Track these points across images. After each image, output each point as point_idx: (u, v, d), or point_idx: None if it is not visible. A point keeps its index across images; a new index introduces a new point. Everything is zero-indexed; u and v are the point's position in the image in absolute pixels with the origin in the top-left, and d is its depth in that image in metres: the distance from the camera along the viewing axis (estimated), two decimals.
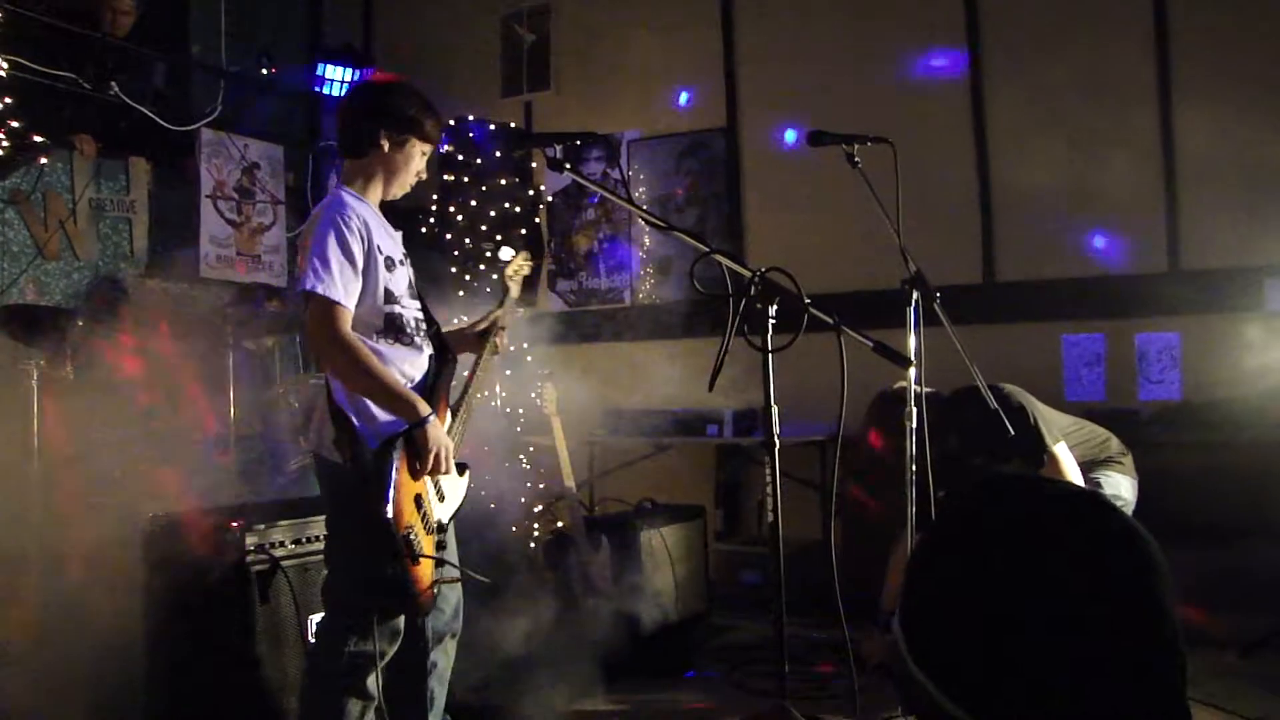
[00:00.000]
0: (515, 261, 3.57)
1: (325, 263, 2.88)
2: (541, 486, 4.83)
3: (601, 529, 4.83)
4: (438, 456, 3.00)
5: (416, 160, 3.21)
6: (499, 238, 5.55)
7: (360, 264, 2.97)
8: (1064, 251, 5.70)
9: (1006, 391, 4.18)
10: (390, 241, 3.11)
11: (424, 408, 2.98)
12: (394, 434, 2.95)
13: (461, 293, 5.31)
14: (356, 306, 2.96)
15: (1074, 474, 4.05)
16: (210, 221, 5.93)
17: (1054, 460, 4.06)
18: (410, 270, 3.19)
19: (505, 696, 4.10)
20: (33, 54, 4.98)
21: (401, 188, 3.23)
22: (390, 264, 3.06)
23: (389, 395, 2.95)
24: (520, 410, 5.04)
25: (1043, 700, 0.90)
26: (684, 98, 6.66)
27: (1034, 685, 0.90)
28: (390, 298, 3.04)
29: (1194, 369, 5.40)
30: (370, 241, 3.00)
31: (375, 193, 3.16)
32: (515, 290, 3.54)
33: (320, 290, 2.86)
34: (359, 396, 2.97)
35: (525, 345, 4.88)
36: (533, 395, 5.04)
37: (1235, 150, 5.31)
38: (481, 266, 5.41)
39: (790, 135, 6.26)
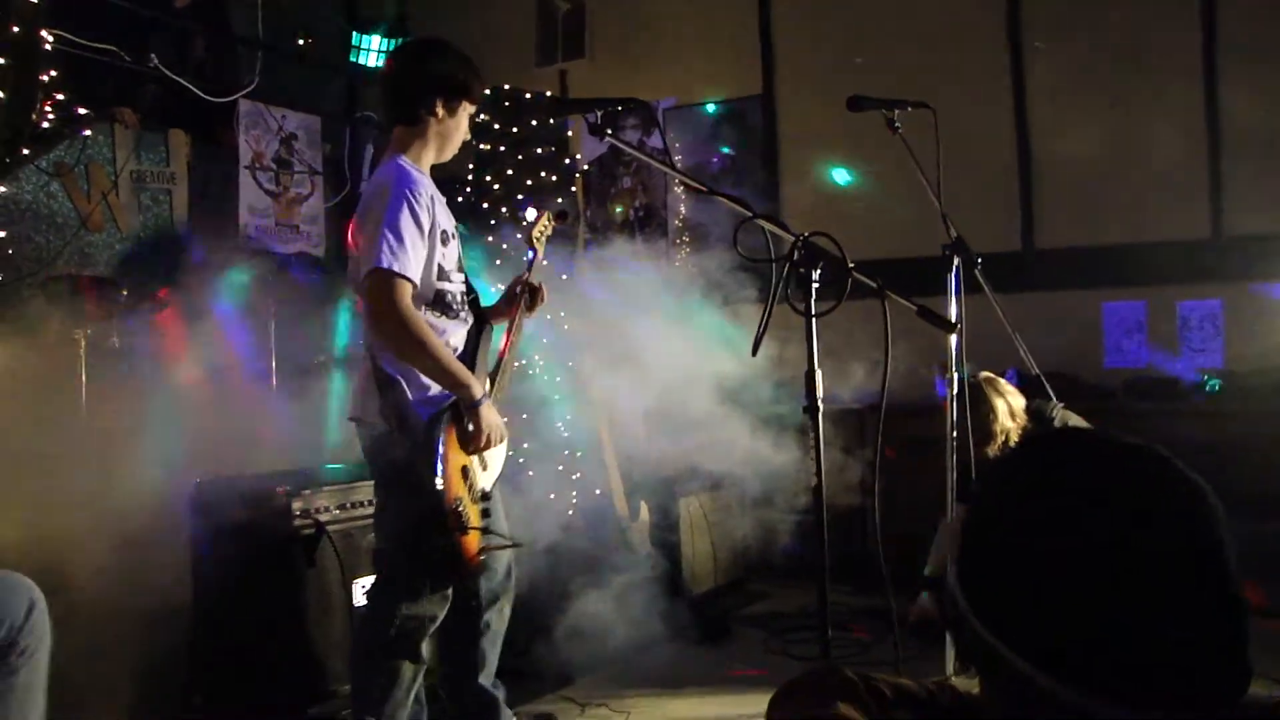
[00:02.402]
0: (540, 222, 3.56)
1: (399, 238, 2.88)
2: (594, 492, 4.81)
3: (641, 496, 4.86)
4: (491, 436, 3.04)
5: (465, 123, 3.22)
6: (533, 208, 5.55)
7: (426, 240, 2.98)
8: (1105, 218, 5.64)
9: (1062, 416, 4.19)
10: (445, 214, 3.12)
11: (479, 389, 3.01)
12: (442, 408, 2.98)
13: (498, 262, 5.32)
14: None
15: None
16: (249, 192, 5.96)
17: None
18: (459, 243, 3.21)
19: (546, 661, 4.15)
20: (75, 27, 5.01)
21: (452, 151, 3.24)
22: (445, 238, 3.07)
23: (448, 374, 2.97)
24: (557, 378, 5.05)
25: (1104, 650, 0.91)
26: (711, 108, 6.63)
27: (1096, 635, 0.91)
28: (442, 273, 3.06)
29: (1236, 337, 5.34)
30: (434, 216, 3.01)
31: (428, 159, 3.17)
32: (541, 250, 3.54)
33: (395, 267, 2.86)
34: (410, 366, 2.99)
35: (562, 314, 4.88)
36: (569, 364, 5.05)
37: None
38: (518, 235, 5.41)
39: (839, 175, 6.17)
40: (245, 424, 4.45)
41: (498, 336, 3.36)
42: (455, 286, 3.14)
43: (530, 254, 3.51)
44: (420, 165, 3.12)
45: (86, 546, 3.61)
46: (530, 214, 3.65)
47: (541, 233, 3.56)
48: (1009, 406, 4.15)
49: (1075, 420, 4.16)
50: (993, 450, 4.05)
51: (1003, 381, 4.26)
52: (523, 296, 3.39)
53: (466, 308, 3.20)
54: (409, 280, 2.90)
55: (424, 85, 3.12)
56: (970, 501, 1.07)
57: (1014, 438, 4.12)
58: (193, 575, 3.84)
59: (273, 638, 3.61)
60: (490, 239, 5.43)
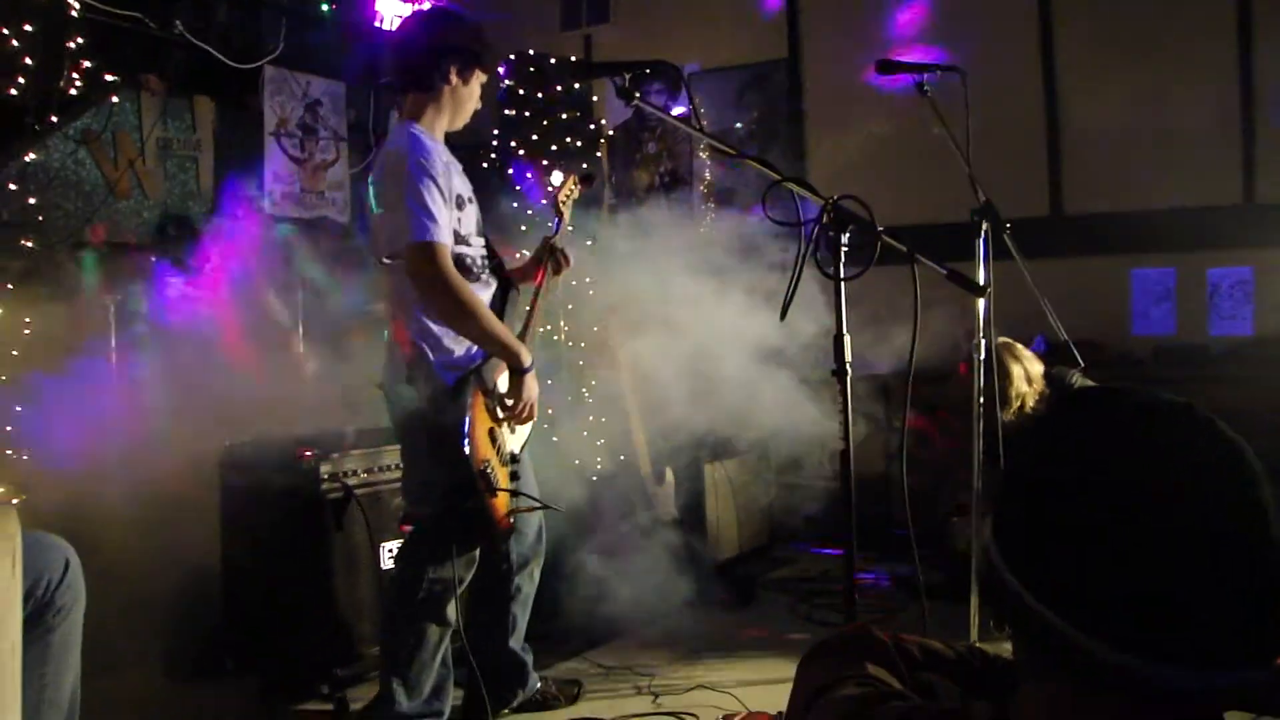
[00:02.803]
0: (566, 185, 3.56)
1: (427, 208, 2.89)
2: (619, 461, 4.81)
3: (666, 461, 4.87)
4: (530, 405, 3.07)
5: (477, 91, 3.22)
6: (558, 172, 5.55)
7: (449, 206, 3.00)
8: (1133, 183, 5.57)
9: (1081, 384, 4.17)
10: (460, 180, 3.12)
11: (527, 356, 3.04)
12: (468, 370, 2.99)
13: (523, 228, 5.32)
14: None
15: None
16: (275, 159, 5.98)
17: None
18: (477, 208, 3.21)
19: (570, 625, 4.18)
20: None
21: (464, 119, 3.24)
22: (460, 203, 3.07)
23: (497, 340, 3.00)
24: (583, 344, 5.06)
25: (1143, 608, 0.91)
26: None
27: (1134, 594, 0.91)
28: (459, 238, 3.06)
29: (1267, 304, 5.28)
30: (450, 182, 3.02)
31: (441, 126, 3.17)
32: (568, 214, 3.54)
33: (430, 236, 2.88)
34: (433, 331, 3.01)
35: (588, 280, 4.88)
36: (594, 329, 5.06)
37: None
38: (543, 200, 5.41)
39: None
40: (274, 388, 4.48)
41: (524, 299, 3.37)
42: (475, 251, 3.15)
43: (556, 219, 3.51)
44: (434, 132, 3.12)
45: (119, 508, 3.65)
46: (556, 177, 3.64)
47: (568, 195, 3.55)
48: (1025, 372, 4.14)
49: None
50: (1008, 416, 4.04)
51: (1020, 347, 4.24)
52: (549, 260, 3.39)
53: (488, 271, 3.21)
54: (444, 244, 2.93)
55: (439, 53, 3.11)
56: (1003, 461, 1.07)
57: (1029, 404, 4.12)
58: (222, 538, 3.89)
59: (301, 600, 3.65)
60: (515, 204, 5.43)
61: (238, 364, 4.52)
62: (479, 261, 3.16)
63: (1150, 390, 1.00)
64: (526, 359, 3.04)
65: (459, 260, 3.07)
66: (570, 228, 3.60)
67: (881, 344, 3.90)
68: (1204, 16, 5.39)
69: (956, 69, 3.51)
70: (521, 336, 3.23)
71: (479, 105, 3.29)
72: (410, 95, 3.18)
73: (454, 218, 3.04)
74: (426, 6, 6.37)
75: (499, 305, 3.20)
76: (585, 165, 5.44)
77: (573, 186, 3.58)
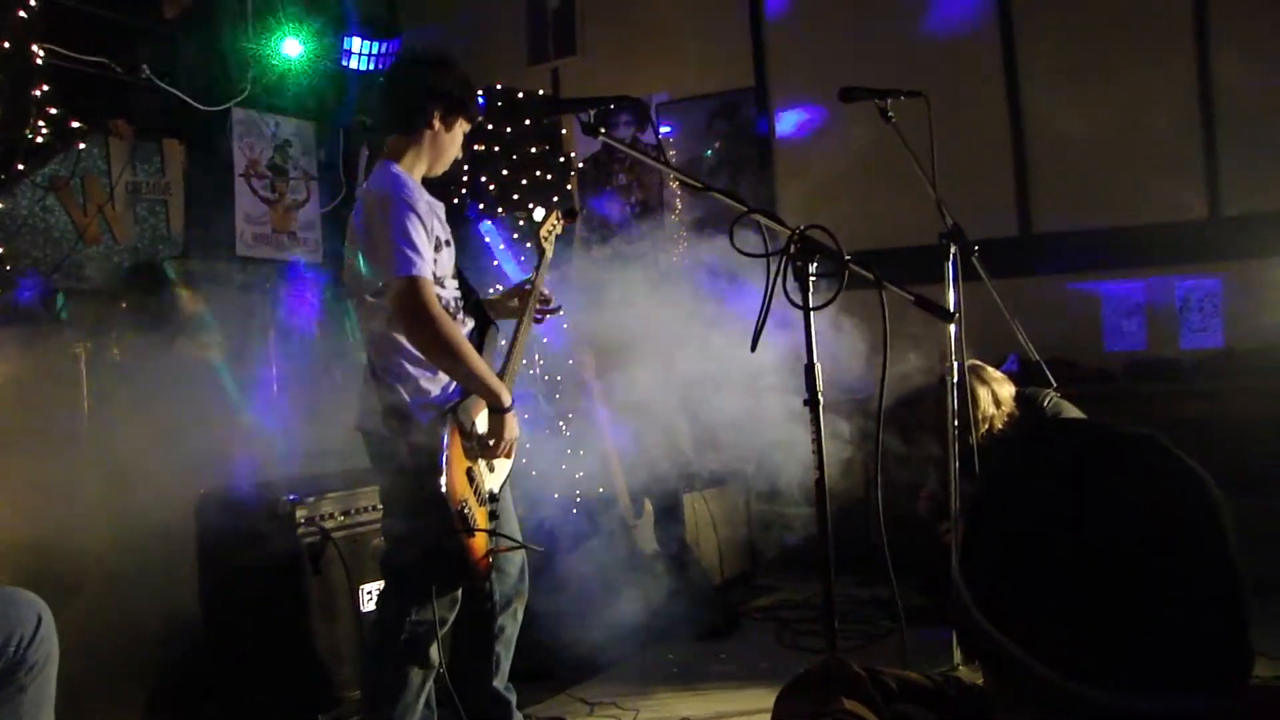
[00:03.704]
0: (549, 221, 3.55)
1: (412, 245, 2.90)
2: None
3: (645, 493, 4.86)
4: (509, 445, 3.07)
5: (459, 139, 3.23)
6: (531, 205, 5.55)
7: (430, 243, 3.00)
8: (1100, 201, 5.63)
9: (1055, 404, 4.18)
10: (438, 222, 3.13)
11: (508, 397, 3.03)
12: (444, 410, 2.99)
13: (495, 262, 5.33)
14: None
15: None
16: (245, 200, 5.97)
17: None
18: (453, 250, 3.21)
19: (553, 661, 4.15)
20: (65, 41, 5.01)
21: (443, 167, 3.24)
22: (439, 245, 3.08)
23: (480, 380, 3.00)
24: (558, 377, 5.05)
25: (1106, 639, 0.91)
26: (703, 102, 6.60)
27: (1097, 626, 0.91)
28: (436, 280, 3.06)
29: (1236, 316, 5.33)
30: (431, 222, 3.03)
31: (420, 169, 3.18)
32: (550, 250, 3.53)
33: (415, 272, 2.88)
34: (409, 370, 3.00)
35: (562, 312, 4.88)
36: (570, 362, 5.06)
37: (1276, 91, 5.21)
38: (514, 235, 5.41)
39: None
40: (248, 432, 4.45)
41: (502, 335, 3.36)
42: (449, 293, 3.15)
43: (537, 255, 3.49)
44: (413, 175, 3.13)
45: (94, 559, 3.62)
46: (538, 213, 3.62)
47: (550, 231, 3.54)
48: (993, 394, 4.13)
49: (1070, 410, 4.14)
50: (975, 439, 4.04)
51: (989, 370, 4.24)
52: (531, 302, 3.38)
53: (462, 312, 3.21)
54: (429, 281, 2.93)
55: (423, 96, 3.13)
56: (971, 493, 1.08)
57: (998, 425, 4.11)
58: (200, 585, 3.85)
59: (281, 645, 3.62)
60: (486, 239, 5.44)
61: (212, 409, 4.50)
62: (453, 303, 3.17)
63: (1111, 423, 1.01)
64: (507, 399, 3.04)
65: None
66: (546, 266, 3.58)
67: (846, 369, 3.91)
68: (1162, 32, 5.46)
69: (919, 93, 3.55)
70: (501, 375, 3.23)
71: (459, 154, 3.30)
72: (393, 137, 3.19)
73: (432, 260, 3.04)
74: (412, 47, 6.39)
75: (477, 342, 3.20)
76: (556, 199, 5.47)
77: (555, 222, 3.57)
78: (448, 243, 3.16)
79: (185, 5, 5.87)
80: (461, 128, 3.21)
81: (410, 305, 2.89)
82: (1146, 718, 0.91)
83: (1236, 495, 0.97)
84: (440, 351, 2.95)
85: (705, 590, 4.88)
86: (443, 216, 3.16)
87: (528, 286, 3.42)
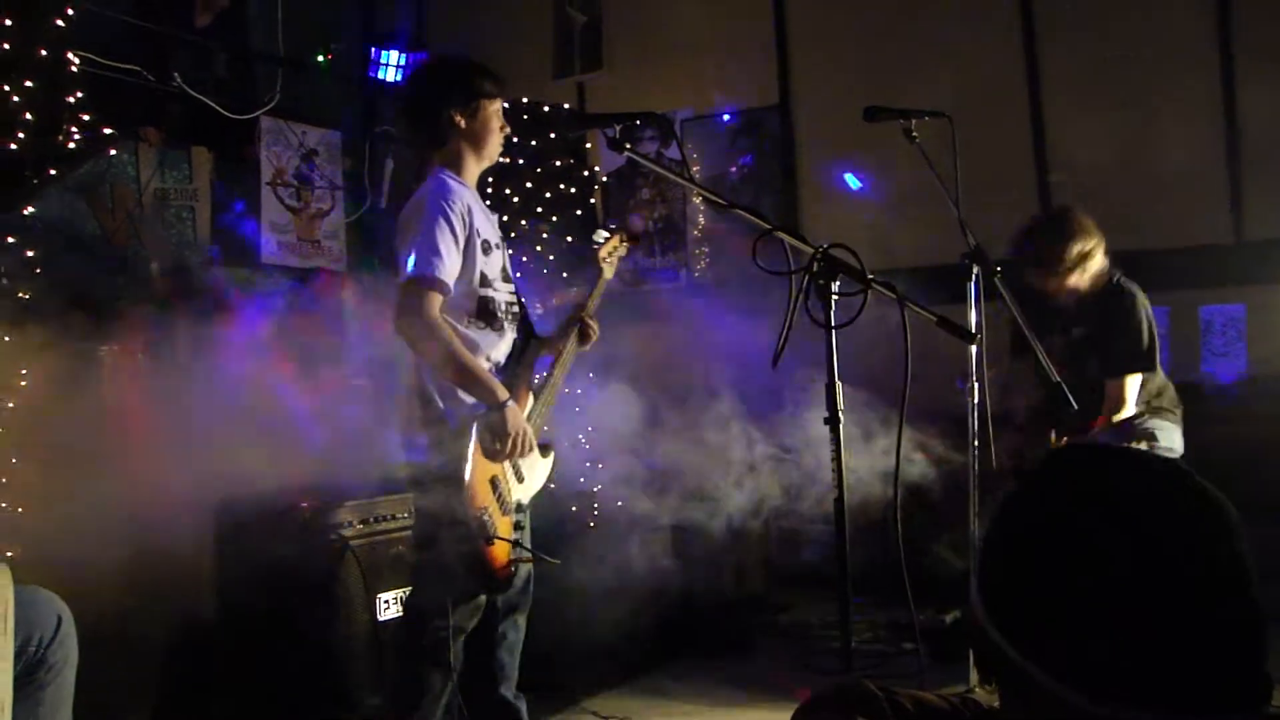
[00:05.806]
0: (610, 243, 3.52)
1: (434, 249, 2.93)
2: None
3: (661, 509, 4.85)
4: (515, 441, 3.05)
5: (494, 120, 3.23)
6: (555, 218, 5.58)
7: (462, 248, 3.02)
8: (1124, 223, 5.60)
9: (1134, 294, 4.26)
10: (488, 225, 3.16)
11: (502, 393, 3.03)
12: (471, 416, 3.00)
13: (518, 274, 5.35)
14: (454, 289, 3.02)
15: (1127, 410, 4.05)
16: (270, 208, 6.02)
17: (1119, 389, 4.03)
18: (505, 254, 3.23)
19: (565, 674, 4.15)
20: (99, 49, 5.07)
21: (493, 152, 3.26)
22: (487, 247, 3.11)
23: (470, 379, 3.00)
24: (580, 390, 5.06)
25: (1124, 663, 0.91)
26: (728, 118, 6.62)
27: (1115, 649, 0.92)
28: (485, 281, 3.10)
29: (1260, 341, 5.30)
30: (471, 225, 3.05)
31: (471, 170, 3.21)
32: (609, 272, 3.51)
33: (427, 274, 2.91)
34: (443, 378, 3.03)
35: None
36: (590, 375, 5.07)
37: None
38: (538, 248, 5.44)
39: (851, 180, 6.13)
40: (269, 440, 4.47)
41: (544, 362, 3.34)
42: (501, 295, 3.17)
43: (598, 275, 3.47)
44: (463, 176, 3.16)
45: (113, 563, 3.64)
46: (601, 235, 3.57)
47: (611, 253, 3.52)
48: (1086, 252, 4.22)
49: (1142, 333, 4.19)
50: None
51: (1100, 241, 4.27)
52: (575, 327, 3.37)
53: (512, 320, 3.22)
54: (438, 290, 2.95)
55: (436, 106, 3.17)
56: (991, 515, 1.08)
57: (1065, 284, 4.20)
58: (218, 592, 3.86)
59: (298, 652, 3.63)
60: (511, 252, 5.46)
61: (234, 416, 4.52)
62: (503, 306, 3.18)
63: (1125, 448, 1.01)
64: (501, 395, 3.02)
65: (484, 303, 3.11)
66: (602, 288, 3.51)
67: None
68: (1187, 56, 5.45)
69: (943, 114, 3.56)
70: (542, 388, 3.24)
71: (506, 130, 3.29)
72: (435, 153, 3.22)
73: (479, 261, 3.08)
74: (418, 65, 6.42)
75: (516, 356, 3.21)
76: (580, 213, 5.48)
77: (618, 244, 3.54)
78: (497, 245, 3.19)
79: (216, 13, 5.93)
80: (486, 108, 3.20)
81: (404, 303, 2.93)
82: None
83: (1256, 521, 0.97)
84: (428, 348, 2.96)
85: (721, 606, 4.87)
86: (492, 219, 3.19)
87: (576, 315, 3.39)
